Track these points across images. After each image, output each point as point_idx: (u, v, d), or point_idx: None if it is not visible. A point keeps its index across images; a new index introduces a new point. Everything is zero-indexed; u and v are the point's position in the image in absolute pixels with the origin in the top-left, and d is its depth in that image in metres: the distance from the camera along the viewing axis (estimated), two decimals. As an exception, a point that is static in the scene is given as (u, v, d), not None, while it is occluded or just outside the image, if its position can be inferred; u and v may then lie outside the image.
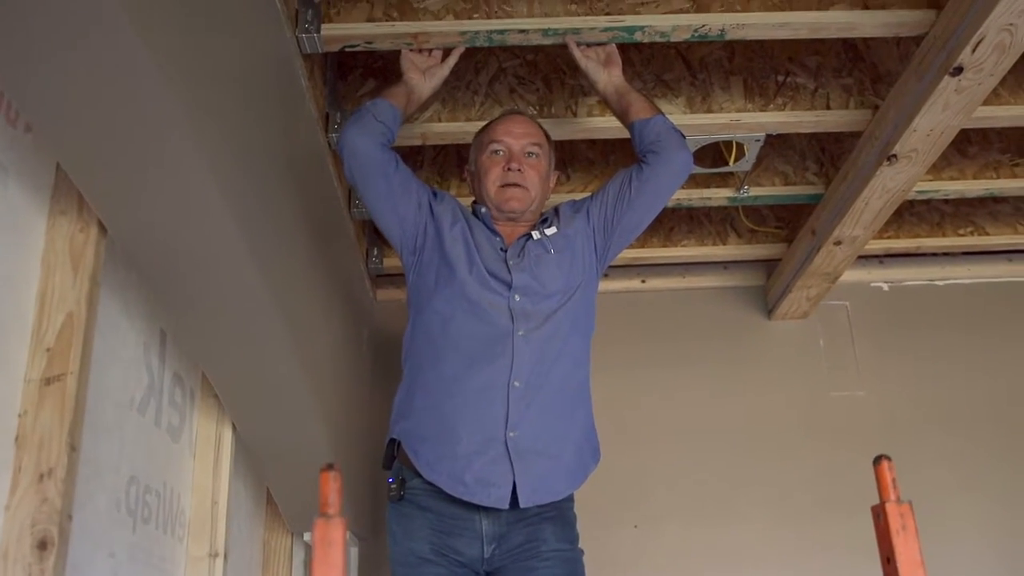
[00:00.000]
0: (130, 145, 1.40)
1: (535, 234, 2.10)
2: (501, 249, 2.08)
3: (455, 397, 1.94)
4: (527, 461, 1.90)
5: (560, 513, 1.98)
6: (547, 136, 2.21)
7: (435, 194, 2.15)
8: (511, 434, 1.90)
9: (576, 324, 2.05)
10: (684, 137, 2.14)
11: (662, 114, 2.13)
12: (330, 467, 0.97)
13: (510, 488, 1.89)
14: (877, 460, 1.00)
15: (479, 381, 1.94)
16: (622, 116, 2.16)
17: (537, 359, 1.96)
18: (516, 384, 1.93)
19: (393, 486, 1.97)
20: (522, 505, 1.89)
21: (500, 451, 1.90)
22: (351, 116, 2.10)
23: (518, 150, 2.12)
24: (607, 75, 2.14)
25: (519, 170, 2.10)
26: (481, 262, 2.04)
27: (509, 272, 2.03)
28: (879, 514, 0.99)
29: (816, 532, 2.95)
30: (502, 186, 2.10)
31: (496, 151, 2.13)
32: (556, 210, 2.18)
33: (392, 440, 2.02)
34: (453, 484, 1.89)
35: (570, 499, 2.03)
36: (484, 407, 1.92)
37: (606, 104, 2.22)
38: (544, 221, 2.14)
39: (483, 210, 2.13)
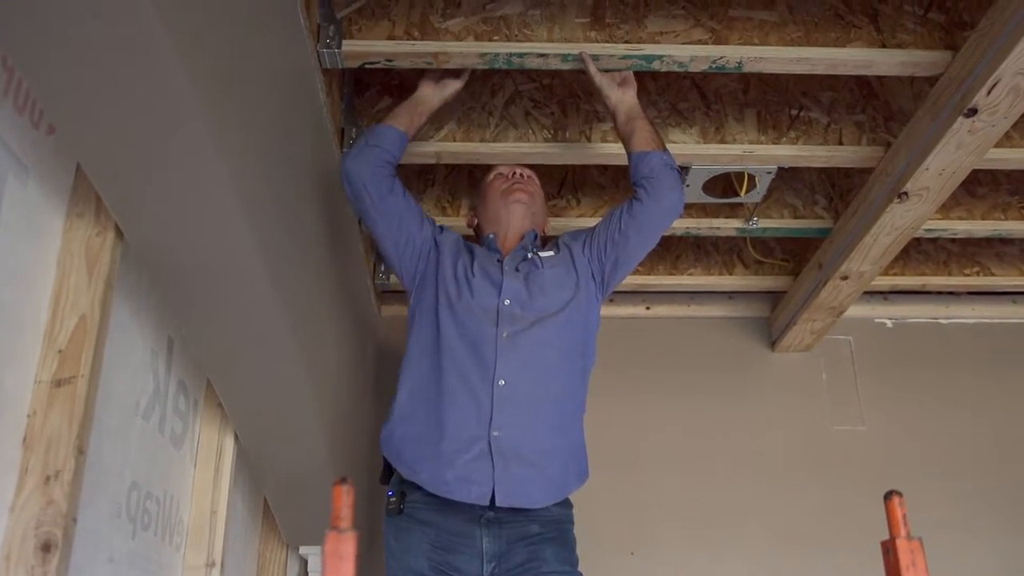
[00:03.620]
0: (151, 148, 1.41)
1: (529, 254, 2.16)
2: (498, 260, 2.15)
3: (442, 396, 1.98)
4: (508, 462, 1.92)
5: (561, 535, 1.98)
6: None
7: (441, 228, 2.26)
8: (495, 433, 1.93)
9: (570, 342, 2.08)
10: (679, 177, 2.14)
11: (664, 150, 2.12)
12: (343, 481, 0.97)
13: (491, 487, 1.90)
14: (888, 496, 1.00)
15: (465, 380, 1.98)
16: (625, 141, 2.17)
17: (523, 362, 1.99)
18: (501, 383, 1.97)
19: (393, 499, 1.97)
20: (498, 504, 1.90)
21: (483, 449, 1.92)
22: (351, 146, 2.16)
23: (517, 170, 2.30)
24: (620, 93, 2.16)
25: (520, 176, 2.29)
26: (476, 275, 2.10)
27: (502, 274, 2.10)
28: (889, 549, 0.99)
29: (814, 565, 2.94)
30: (506, 189, 2.26)
31: (500, 174, 2.31)
32: (556, 241, 2.25)
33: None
34: (435, 483, 1.91)
35: (571, 521, 2.03)
36: (469, 404, 1.96)
37: (613, 123, 2.21)
38: (543, 246, 2.23)
39: (490, 236, 2.22)
